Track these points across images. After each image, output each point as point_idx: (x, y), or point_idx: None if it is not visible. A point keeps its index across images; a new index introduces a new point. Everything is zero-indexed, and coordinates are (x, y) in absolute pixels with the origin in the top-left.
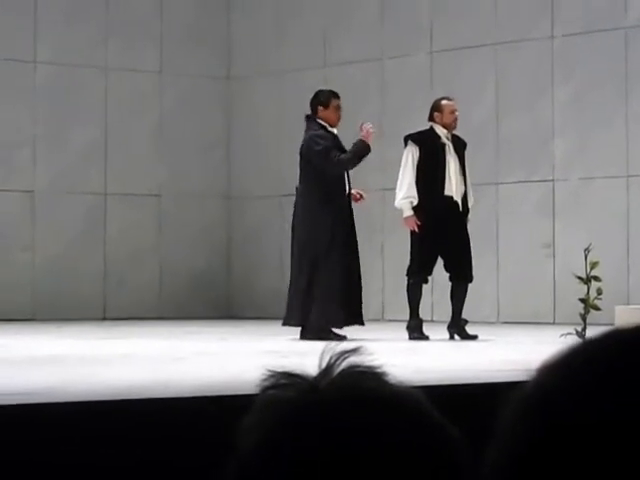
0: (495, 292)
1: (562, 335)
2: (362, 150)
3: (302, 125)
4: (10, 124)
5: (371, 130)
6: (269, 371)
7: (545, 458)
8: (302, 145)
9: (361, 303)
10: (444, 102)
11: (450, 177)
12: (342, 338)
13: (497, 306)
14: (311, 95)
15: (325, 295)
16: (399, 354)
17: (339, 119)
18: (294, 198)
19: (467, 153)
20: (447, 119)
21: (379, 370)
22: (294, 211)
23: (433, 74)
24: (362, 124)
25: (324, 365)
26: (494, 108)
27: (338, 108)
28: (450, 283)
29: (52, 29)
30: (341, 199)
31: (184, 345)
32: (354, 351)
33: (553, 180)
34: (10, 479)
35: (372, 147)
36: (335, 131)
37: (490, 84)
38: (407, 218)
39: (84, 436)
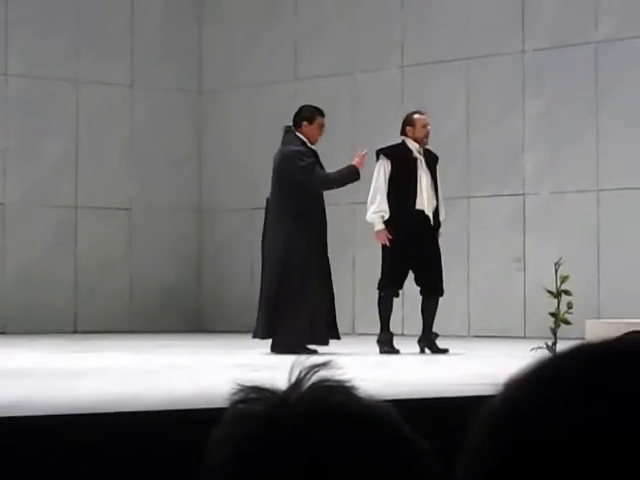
0: (466, 306)
1: (533, 349)
2: (350, 176)
3: (274, 138)
4: None
5: (364, 159)
6: (239, 385)
7: (514, 473)
8: (278, 157)
9: (335, 317)
10: (416, 116)
11: (422, 191)
12: (313, 352)
13: (468, 320)
14: (282, 108)
15: (298, 311)
16: (370, 368)
17: (320, 136)
18: (264, 210)
19: (438, 167)
20: (419, 133)
21: (349, 384)
22: (265, 224)
23: (404, 88)
24: (360, 152)
25: (294, 379)
26: (465, 122)
27: (321, 126)
28: (421, 297)
29: (23, 42)
30: (316, 215)
31: (155, 358)
32: (323, 365)
33: (524, 194)
34: None
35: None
36: (312, 146)
37: (461, 98)
38: (378, 232)
39: (55, 449)
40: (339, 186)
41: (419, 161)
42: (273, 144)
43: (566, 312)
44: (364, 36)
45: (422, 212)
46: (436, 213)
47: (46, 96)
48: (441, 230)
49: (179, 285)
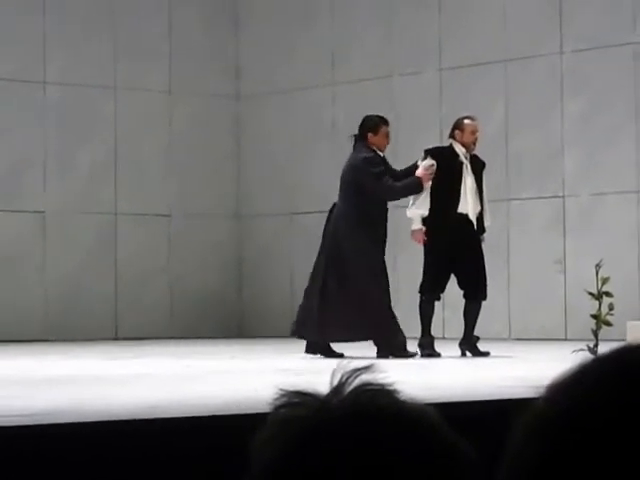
0: (506, 308)
1: (574, 351)
2: (415, 188)
3: (312, 143)
4: (20, 145)
5: (430, 172)
6: (281, 390)
7: (554, 477)
8: (348, 164)
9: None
10: (467, 121)
11: (466, 195)
12: (339, 355)
13: (509, 322)
14: (320, 113)
15: (387, 316)
16: (411, 371)
17: (387, 145)
18: (327, 213)
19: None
20: (467, 139)
21: (391, 387)
22: (331, 228)
23: (442, 91)
24: (425, 163)
25: (336, 383)
26: (504, 124)
27: (387, 135)
28: (463, 300)
29: (61, 50)
30: (381, 223)
31: (196, 364)
32: (366, 369)
33: (564, 196)
34: None
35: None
36: (383, 155)
37: (500, 100)
38: (414, 231)
39: (98, 456)
40: (402, 197)
41: (465, 165)
42: (311, 149)
43: (607, 314)
44: (401, 39)
45: (465, 216)
46: (480, 218)
47: (84, 103)
48: (485, 235)
49: (219, 291)
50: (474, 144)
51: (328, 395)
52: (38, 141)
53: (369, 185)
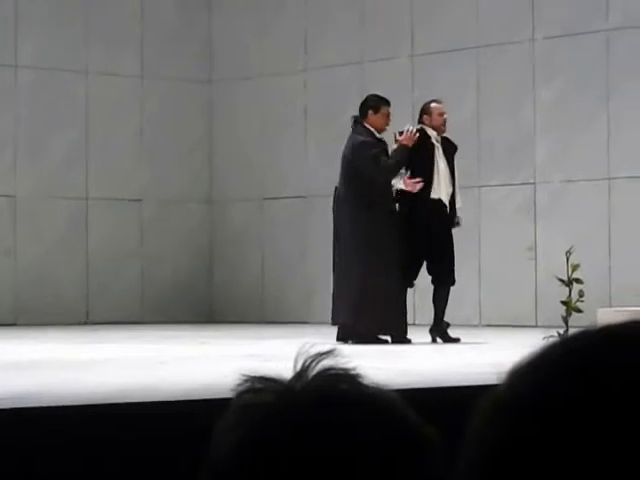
0: (477, 294)
1: (544, 338)
2: (403, 155)
3: (283, 128)
4: None
5: (411, 132)
6: (244, 375)
7: (513, 462)
8: (347, 148)
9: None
10: (433, 105)
11: (439, 179)
12: (384, 342)
13: (479, 308)
14: (292, 98)
15: (377, 301)
16: (382, 357)
17: (387, 125)
18: (332, 199)
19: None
20: (436, 121)
21: (353, 372)
22: (338, 215)
23: (415, 77)
24: (404, 128)
25: (299, 368)
26: (475, 111)
27: (387, 115)
28: (432, 286)
29: (33, 33)
30: (386, 203)
31: (166, 349)
32: (328, 353)
33: (535, 183)
34: None
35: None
36: (380, 136)
37: (471, 87)
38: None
39: (64, 440)
40: (399, 169)
41: (437, 148)
42: (283, 134)
43: (578, 300)
44: (373, 25)
45: (438, 200)
46: (452, 201)
47: (56, 87)
48: (461, 217)
49: (190, 276)
50: (444, 125)
51: (291, 380)
52: (9, 125)
53: (366, 170)
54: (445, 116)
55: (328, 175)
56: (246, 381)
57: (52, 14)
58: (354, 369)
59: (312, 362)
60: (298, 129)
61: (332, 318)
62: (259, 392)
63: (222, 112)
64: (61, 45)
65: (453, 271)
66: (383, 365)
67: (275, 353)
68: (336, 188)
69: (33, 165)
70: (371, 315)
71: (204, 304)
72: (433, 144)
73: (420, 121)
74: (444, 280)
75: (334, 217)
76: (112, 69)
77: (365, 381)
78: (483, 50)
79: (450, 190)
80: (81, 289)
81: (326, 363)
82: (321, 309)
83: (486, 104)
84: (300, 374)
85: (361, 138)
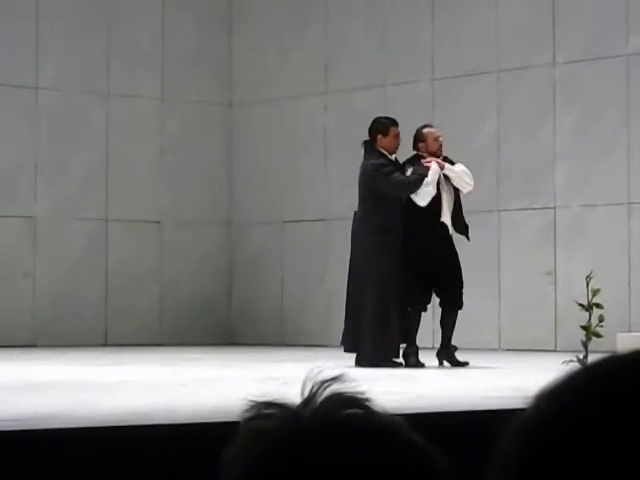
0: (497, 319)
1: (564, 362)
2: (422, 176)
3: (303, 151)
4: (11, 150)
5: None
6: (251, 401)
7: None
8: (360, 172)
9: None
10: (426, 130)
11: (444, 206)
12: (399, 365)
13: (499, 333)
14: (313, 121)
15: (391, 324)
16: (398, 381)
17: (397, 145)
18: (351, 222)
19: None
20: (432, 147)
21: (361, 397)
22: (354, 236)
23: (435, 101)
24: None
25: (306, 394)
26: (495, 135)
27: (397, 136)
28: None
29: (54, 55)
30: (396, 229)
31: (185, 371)
32: (336, 378)
33: (555, 207)
34: None
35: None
36: (394, 158)
37: (492, 111)
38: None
39: (83, 462)
40: (416, 188)
41: (440, 177)
42: (303, 157)
43: (597, 325)
44: (394, 49)
45: (445, 226)
46: (459, 218)
47: (76, 109)
48: (470, 232)
49: (209, 298)
50: (440, 150)
51: (299, 406)
52: (30, 146)
53: (383, 187)
54: (441, 139)
55: (348, 198)
56: (253, 407)
57: (73, 36)
58: (363, 393)
59: (320, 388)
60: (318, 152)
61: (349, 344)
62: (266, 418)
63: (242, 134)
64: (82, 67)
65: (461, 295)
66: (399, 389)
67: (293, 376)
68: (355, 213)
69: (53, 186)
70: (388, 339)
71: (223, 326)
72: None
73: (416, 148)
74: (453, 304)
75: (352, 243)
76: (132, 91)
77: (373, 406)
78: (504, 74)
79: (451, 206)
80: (100, 310)
81: (334, 388)
82: (340, 332)
83: (506, 128)
84: (308, 400)
85: (374, 161)
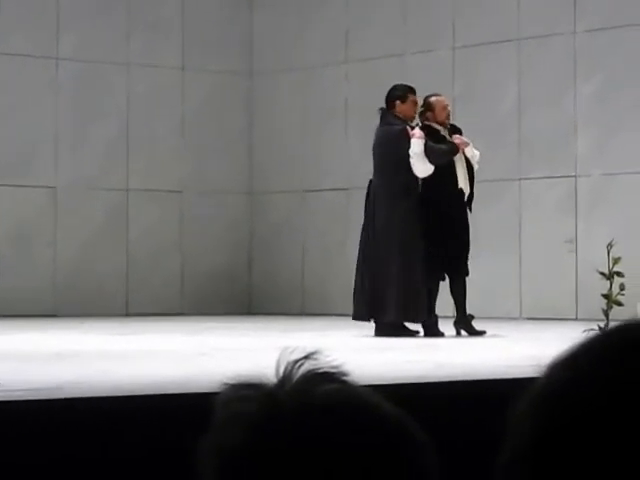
0: (518, 288)
1: (585, 331)
2: (452, 151)
3: (324, 120)
4: (32, 120)
5: (466, 144)
6: (228, 383)
7: (552, 453)
8: (382, 139)
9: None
10: (433, 99)
11: (459, 169)
12: (415, 333)
13: (520, 302)
14: (333, 91)
15: (408, 290)
16: (420, 350)
17: (415, 113)
18: (365, 190)
19: (489, 149)
20: (440, 116)
21: (337, 371)
22: (368, 205)
23: (455, 70)
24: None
25: (281, 374)
26: (516, 104)
27: (415, 103)
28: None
29: (74, 25)
30: (415, 196)
31: (205, 341)
32: (309, 356)
33: (575, 176)
34: (28, 475)
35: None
36: (413, 125)
37: (512, 80)
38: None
39: (106, 430)
40: (448, 159)
41: (447, 139)
42: (324, 127)
43: (618, 294)
44: (414, 18)
45: (461, 190)
46: (471, 180)
47: (97, 79)
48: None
49: (230, 268)
50: (448, 119)
51: (275, 387)
52: (50, 117)
53: (404, 148)
54: (449, 108)
55: (369, 167)
56: (229, 389)
57: (94, 6)
58: (338, 368)
59: (294, 367)
60: (339, 121)
61: (363, 313)
62: (243, 401)
63: (263, 104)
64: (103, 37)
65: (467, 262)
66: (421, 358)
67: (314, 345)
68: (370, 181)
69: (74, 157)
70: (413, 307)
71: (244, 296)
72: (444, 137)
73: (425, 118)
74: (459, 271)
75: (365, 210)
76: (153, 61)
77: (349, 380)
78: (524, 42)
79: (466, 174)
80: (121, 281)
81: (309, 366)
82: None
83: (527, 97)
84: (283, 380)
85: (398, 127)
